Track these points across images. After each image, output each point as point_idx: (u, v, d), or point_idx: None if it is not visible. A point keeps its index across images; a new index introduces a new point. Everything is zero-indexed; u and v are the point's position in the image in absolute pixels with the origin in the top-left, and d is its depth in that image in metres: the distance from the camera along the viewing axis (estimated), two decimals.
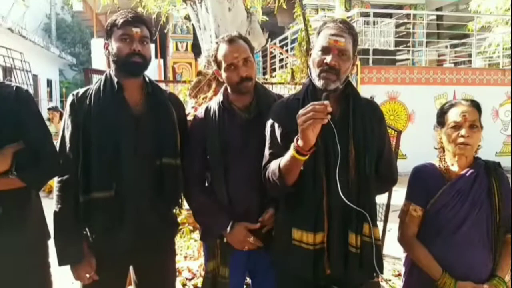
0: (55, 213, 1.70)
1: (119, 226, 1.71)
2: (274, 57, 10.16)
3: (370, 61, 8.74)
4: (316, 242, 1.57)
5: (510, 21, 9.32)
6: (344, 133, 1.57)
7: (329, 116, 1.40)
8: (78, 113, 1.71)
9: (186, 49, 10.10)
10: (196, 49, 9.39)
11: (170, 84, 7.11)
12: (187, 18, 8.14)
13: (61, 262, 1.71)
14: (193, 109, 3.23)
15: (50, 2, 20.60)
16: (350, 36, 1.58)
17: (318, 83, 1.56)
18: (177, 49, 10.05)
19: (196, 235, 3.68)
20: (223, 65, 1.82)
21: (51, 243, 1.76)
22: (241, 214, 1.81)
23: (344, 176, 1.55)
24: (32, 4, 17.18)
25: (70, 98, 1.75)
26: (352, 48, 1.59)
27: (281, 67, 9.97)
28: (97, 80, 1.80)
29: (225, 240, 1.81)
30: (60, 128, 1.76)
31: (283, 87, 4.38)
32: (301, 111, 1.42)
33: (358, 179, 1.59)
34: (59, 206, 1.69)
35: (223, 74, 1.84)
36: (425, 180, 1.82)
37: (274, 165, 1.59)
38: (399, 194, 2.40)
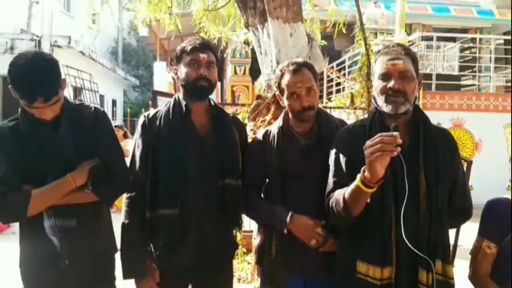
0: (123, 228, 1.78)
1: (182, 244, 1.75)
2: (331, 80, 10.10)
3: (433, 86, 8.42)
4: (383, 277, 1.49)
5: None
6: (414, 163, 1.50)
7: (399, 149, 1.33)
8: (148, 133, 1.79)
9: (244, 73, 10.36)
10: (254, 73, 9.59)
11: (227, 106, 7.29)
12: (246, 43, 8.38)
13: (126, 276, 1.77)
14: (252, 131, 3.28)
15: (118, 27, 22.07)
16: (407, 56, 1.53)
17: (387, 108, 1.51)
18: (235, 72, 10.35)
19: (250, 257, 3.67)
20: (286, 93, 1.84)
21: (117, 256, 1.83)
22: (299, 240, 1.78)
23: (414, 209, 1.47)
24: (102, 29, 18.53)
25: (141, 119, 1.84)
26: (413, 67, 1.54)
27: (338, 91, 9.88)
28: (166, 103, 1.88)
29: (285, 231, 1.75)
30: (131, 147, 1.85)
31: (341, 111, 4.33)
32: (368, 142, 1.36)
33: (430, 213, 1.50)
34: (127, 221, 1.77)
35: (285, 102, 1.86)
36: (499, 215, 1.69)
37: (338, 195, 1.54)
38: (463, 227, 2.25)
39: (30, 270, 1.70)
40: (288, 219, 1.74)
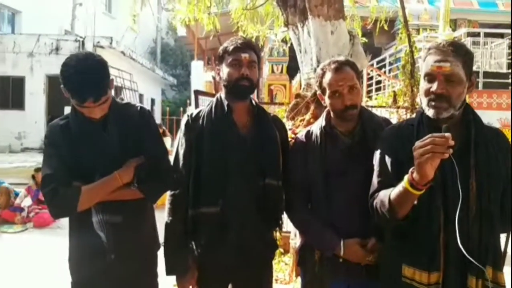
0: (166, 225, 1.81)
1: (222, 243, 1.76)
2: (371, 78, 9.88)
3: (480, 85, 8.11)
4: (430, 282, 1.43)
5: None
6: (464, 165, 1.43)
7: (451, 150, 1.27)
8: (191, 132, 1.81)
9: (281, 71, 10.29)
10: (291, 71, 9.50)
11: (264, 105, 7.30)
12: (284, 41, 8.34)
13: (168, 272, 1.81)
14: (290, 131, 3.25)
15: (157, 27, 22.60)
16: (458, 57, 1.43)
17: (429, 112, 1.46)
18: (272, 71, 10.29)
19: (288, 258, 3.65)
20: (328, 91, 1.81)
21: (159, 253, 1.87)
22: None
23: (464, 213, 1.40)
24: (141, 29, 19.06)
25: (185, 118, 1.87)
26: (464, 70, 1.44)
27: (378, 89, 9.66)
28: (209, 103, 1.90)
29: (340, 260, 1.76)
30: (170, 145, 1.88)
31: (383, 110, 4.21)
32: (418, 143, 1.31)
33: (480, 216, 1.43)
34: (170, 218, 1.80)
35: (327, 101, 1.83)
36: None
37: (383, 196, 1.50)
38: None
39: (78, 264, 1.76)
40: (341, 251, 1.74)
